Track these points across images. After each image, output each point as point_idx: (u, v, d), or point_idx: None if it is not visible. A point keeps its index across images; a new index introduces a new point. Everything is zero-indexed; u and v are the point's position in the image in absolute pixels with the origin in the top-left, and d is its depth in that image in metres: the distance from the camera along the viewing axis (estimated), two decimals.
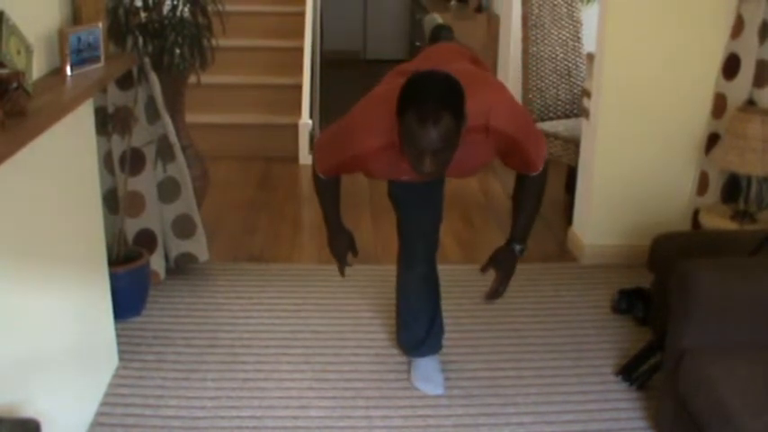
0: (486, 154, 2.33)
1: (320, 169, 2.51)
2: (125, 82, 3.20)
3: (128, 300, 3.15)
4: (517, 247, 2.56)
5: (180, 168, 3.45)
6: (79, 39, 2.35)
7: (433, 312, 2.88)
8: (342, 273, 2.79)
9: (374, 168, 2.38)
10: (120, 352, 2.94)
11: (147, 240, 3.40)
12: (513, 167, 2.47)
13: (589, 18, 4.45)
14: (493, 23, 5.82)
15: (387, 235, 3.89)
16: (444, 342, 2.94)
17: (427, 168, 2.08)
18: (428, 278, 2.86)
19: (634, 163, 3.73)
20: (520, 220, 2.56)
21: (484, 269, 2.59)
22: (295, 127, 5.44)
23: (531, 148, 2.35)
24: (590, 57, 4.10)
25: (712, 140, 3.62)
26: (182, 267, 3.62)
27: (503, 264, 2.57)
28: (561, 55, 4.50)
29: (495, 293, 2.59)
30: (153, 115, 3.33)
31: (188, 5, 3.43)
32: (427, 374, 2.85)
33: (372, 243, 4.04)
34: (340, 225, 2.74)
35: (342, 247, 2.77)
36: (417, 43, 6.61)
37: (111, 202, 3.30)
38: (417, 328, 2.88)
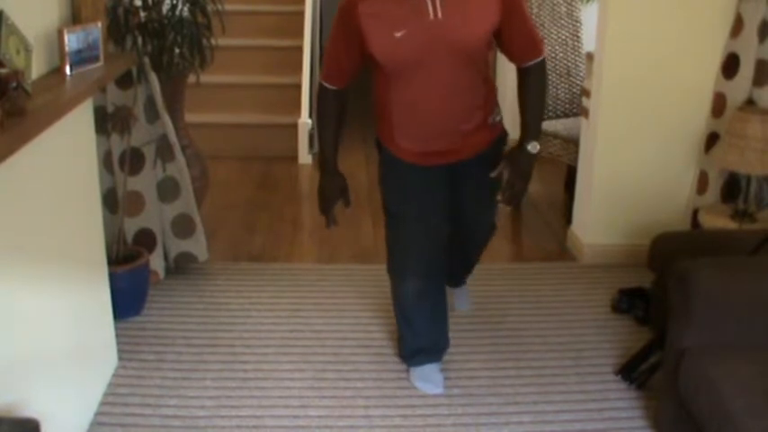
0: (488, 3, 2.35)
1: (324, 71, 2.50)
2: (124, 81, 3.20)
3: (127, 299, 3.15)
4: (530, 145, 2.54)
5: (179, 168, 3.45)
6: (79, 38, 2.35)
7: (436, 335, 2.84)
8: (328, 224, 2.69)
9: (368, 14, 2.31)
10: (120, 351, 2.94)
11: (146, 240, 3.40)
12: (515, 50, 2.49)
13: (588, 17, 4.45)
14: None
15: None
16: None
17: None
18: (427, 294, 2.76)
19: (634, 162, 3.73)
20: (530, 119, 2.56)
21: (497, 172, 2.57)
22: (295, 126, 5.44)
23: (528, 17, 2.45)
24: (589, 56, 4.10)
25: (712, 140, 3.62)
26: (181, 267, 3.62)
27: (518, 163, 2.55)
28: (561, 54, 4.50)
29: (512, 195, 2.56)
30: (152, 115, 3.33)
31: (187, 5, 3.43)
32: (426, 374, 2.84)
33: (372, 243, 4.04)
34: (335, 166, 2.66)
35: (333, 192, 2.66)
36: None
37: (111, 201, 3.30)
38: (414, 342, 2.85)
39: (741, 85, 3.49)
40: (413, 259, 2.69)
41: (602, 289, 3.53)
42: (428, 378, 2.83)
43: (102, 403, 2.68)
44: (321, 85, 2.58)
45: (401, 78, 2.44)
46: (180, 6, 3.40)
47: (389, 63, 2.41)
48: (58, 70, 2.32)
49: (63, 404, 2.37)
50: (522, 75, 2.56)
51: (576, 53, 4.55)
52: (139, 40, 3.24)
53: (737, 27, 3.48)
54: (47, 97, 2.08)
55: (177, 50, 3.39)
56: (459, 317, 3.23)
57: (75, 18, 2.46)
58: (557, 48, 4.49)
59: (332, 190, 2.67)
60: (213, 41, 3.53)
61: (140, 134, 3.29)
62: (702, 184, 3.68)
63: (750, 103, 3.48)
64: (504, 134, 2.70)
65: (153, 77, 3.27)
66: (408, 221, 2.66)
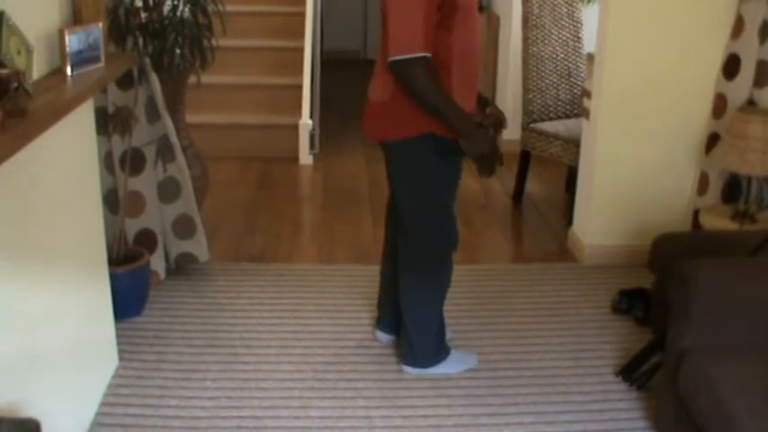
0: None
1: (418, 42, 2.44)
2: (125, 82, 3.20)
3: (128, 300, 3.16)
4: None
5: (180, 168, 3.45)
6: (79, 39, 2.35)
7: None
8: (501, 161, 2.66)
9: None
10: (121, 352, 2.94)
11: (147, 240, 3.41)
12: None
13: (589, 18, 4.45)
14: (493, 23, 5.82)
15: None
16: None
17: None
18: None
19: (634, 163, 3.73)
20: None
21: (491, 110, 2.82)
22: (295, 127, 5.44)
23: None
24: (590, 57, 4.10)
25: (713, 140, 3.62)
26: (182, 267, 3.62)
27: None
28: (561, 55, 4.50)
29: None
30: (153, 115, 3.34)
31: (188, 5, 3.43)
32: (458, 356, 2.94)
33: (372, 243, 4.04)
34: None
35: (488, 135, 2.64)
36: None
37: (112, 202, 3.30)
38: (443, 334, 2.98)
39: (742, 86, 3.49)
40: (455, 238, 2.84)
41: (603, 289, 3.53)
42: (462, 359, 2.92)
43: (103, 404, 2.69)
44: (421, 60, 2.46)
45: (463, 23, 2.59)
46: (181, 7, 3.41)
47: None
48: (59, 71, 2.32)
49: (63, 404, 2.37)
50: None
51: (577, 54, 4.55)
52: (140, 40, 3.24)
53: (738, 28, 3.48)
54: (47, 98, 2.08)
55: (178, 51, 3.39)
56: (459, 317, 3.24)
57: (75, 18, 2.46)
58: (557, 48, 4.49)
59: (485, 131, 2.66)
60: (214, 42, 3.53)
61: (141, 135, 3.29)
62: (703, 184, 3.68)
63: (751, 103, 3.48)
64: None
65: (154, 78, 3.28)
66: (450, 205, 2.79)
